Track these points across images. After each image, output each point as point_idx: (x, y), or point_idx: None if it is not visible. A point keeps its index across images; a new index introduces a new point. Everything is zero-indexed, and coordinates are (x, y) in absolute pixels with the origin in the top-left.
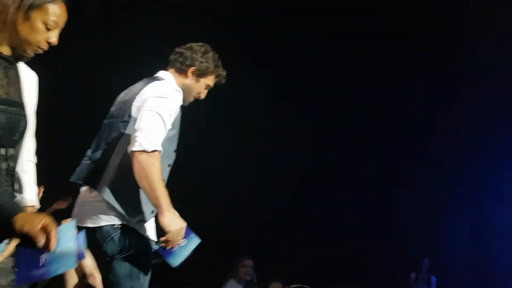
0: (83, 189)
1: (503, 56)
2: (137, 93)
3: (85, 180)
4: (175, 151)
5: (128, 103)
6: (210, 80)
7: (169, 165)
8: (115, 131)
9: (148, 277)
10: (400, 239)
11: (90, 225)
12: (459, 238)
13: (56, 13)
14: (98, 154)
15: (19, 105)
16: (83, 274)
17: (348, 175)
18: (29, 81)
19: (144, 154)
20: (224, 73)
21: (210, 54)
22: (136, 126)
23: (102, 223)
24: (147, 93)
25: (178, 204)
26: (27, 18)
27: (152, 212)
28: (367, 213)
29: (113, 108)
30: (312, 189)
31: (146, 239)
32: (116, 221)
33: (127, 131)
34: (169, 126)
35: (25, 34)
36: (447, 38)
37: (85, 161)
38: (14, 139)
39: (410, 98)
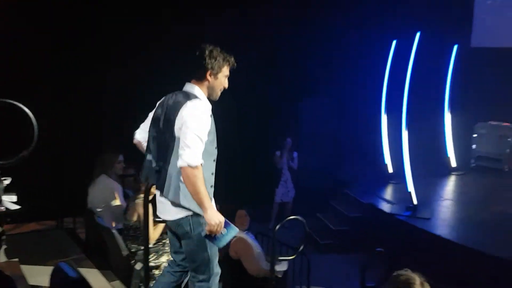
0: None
1: None
2: (176, 113)
3: (156, 186)
4: (216, 147)
5: (170, 123)
6: (226, 71)
7: (214, 160)
8: (167, 147)
9: (215, 247)
10: (268, 120)
11: (169, 218)
12: (320, 118)
13: None
14: (160, 164)
15: None
16: None
17: None
18: None
19: (189, 169)
20: (233, 58)
21: (214, 52)
22: (181, 145)
23: (176, 217)
24: (184, 116)
25: None
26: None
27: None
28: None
29: (159, 122)
30: None
31: (205, 222)
32: (183, 214)
33: (175, 149)
34: (205, 138)
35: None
36: None
37: (149, 165)
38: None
39: None
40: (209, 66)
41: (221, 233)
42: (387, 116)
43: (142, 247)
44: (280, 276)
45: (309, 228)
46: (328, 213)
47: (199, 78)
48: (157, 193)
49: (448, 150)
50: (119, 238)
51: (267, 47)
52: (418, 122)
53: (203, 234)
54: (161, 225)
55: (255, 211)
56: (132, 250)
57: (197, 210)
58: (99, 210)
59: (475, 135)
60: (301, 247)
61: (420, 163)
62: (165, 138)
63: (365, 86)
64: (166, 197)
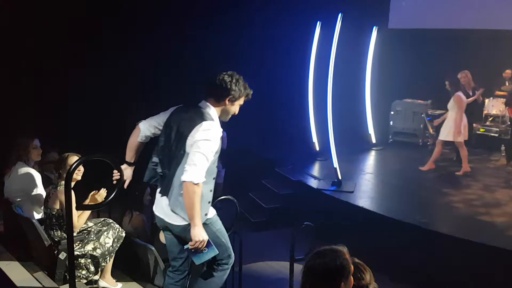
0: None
1: None
2: (190, 129)
3: (160, 189)
4: (217, 166)
5: (183, 137)
6: (241, 101)
7: (213, 178)
8: (174, 158)
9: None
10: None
11: (172, 222)
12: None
13: None
14: (165, 171)
15: None
16: None
17: None
18: None
19: (191, 185)
20: (251, 91)
21: (240, 82)
22: (188, 162)
23: (177, 223)
24: (197, 136)
25: None
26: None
27: (206, 215)
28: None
29: (171, 132)
30: None
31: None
32: (184, 222)
33: (182, 162)
34: (211, 159)
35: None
36: None
37: (154, 167)
38: None
39: None
40: (232, 92)
41: (202, 251)
42: (313, 95)
43: (66, 236)
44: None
45: (241, 207)
46: (260, 192)
47: (218, 99)
48: (158, 194)
49: (369, 127)
50: (40, 228)
51: (181, 24)
52: (341, 101)
53: (185, 247)
54: (86, 213)
55: None
56: (56, 239)
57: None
58: (17, 199)
59: (392, 112)
60: (233, 227)
61: (344, 140)
62: (174, 149)
63: (292, 66)
64: (169, 205)
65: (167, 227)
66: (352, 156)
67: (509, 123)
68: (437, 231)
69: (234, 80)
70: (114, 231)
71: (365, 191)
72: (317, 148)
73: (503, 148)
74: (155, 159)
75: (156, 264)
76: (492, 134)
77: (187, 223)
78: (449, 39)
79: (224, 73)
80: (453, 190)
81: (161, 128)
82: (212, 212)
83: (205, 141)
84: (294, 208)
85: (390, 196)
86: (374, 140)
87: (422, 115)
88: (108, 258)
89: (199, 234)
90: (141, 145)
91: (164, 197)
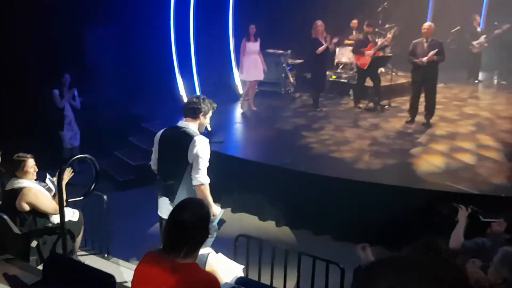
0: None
1: None
2: (186, 145)
3: (164, 195)
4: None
5: (183, 152)
6: (210, 113)
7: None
8: (179, 169)
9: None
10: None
11: None
12: (104, 52)
13: None
14: (171, 182)
15: None
16: None
17: None
18: None
19: (202, 186)
20: (215, 104)
21: (206, 100)
22: (195, 170)
23: None
24: (196, 150)
25: None
26: None
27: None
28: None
29: (166, 151)
30: None
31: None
32: None
33: (187, 172)
34: (207, 164)
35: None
36: None
37: (160, 183)
38: None
39: None
40: (203, 109)
41: (216, 216)
42: (176, 48)
43: (36, 227)
44: (75, 220)
45: (107, 167)
46: (126, 149)
47: (194, 117)
48: (164, 200)
49: (235, 78)
50: (8, 220)
51: None
52: (206, 52)
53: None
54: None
55: (41, 159)
56: (24, 231)
57: None
58: None
59: None
60: (92, 186)
61: (211, 92)
62: (176, 162)
63: (154, 16)
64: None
65: None
66: (220, 107)
67: (356, 69)
68: (297, 170)
69: (201, 100)
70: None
71: (235, 140)
72: (185, 101)
73: (351, 92)
74: (158, 177)
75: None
76: (342, 80)
77: None
78: None
79: (193, 97)
80: (310, 133)
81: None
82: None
83: (204, 152)
84: None
85: (258, 143)
86: (241, 91)
87: (283, 65)
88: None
89: (215, 209)
90: None
91: (167, 200)
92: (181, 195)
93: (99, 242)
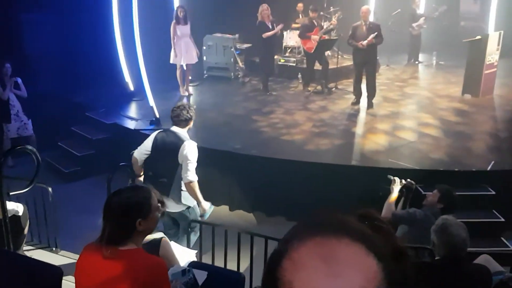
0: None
1: None
2: (177, 148)
3: (160, 192)
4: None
5: (174, 154)
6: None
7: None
8: (171, 168)
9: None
10: None
11: (172, 210)
12: (43, 39)
13: None
14: (164, 180)
15: None
16: None
17: None
18: None
19: (191, 183)
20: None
21: (192, 109)
22: (185, 169)
23: (175, 210)
24: (185, 153)
25: None
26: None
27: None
28: None
29: (159, 152)
30: None
31: (196, 212)
32: (183, 208)
33: (178, 170)
34: (195, 165)
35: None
36: None
37: (152, 180)
38: None
39: None
40: (192, 118)
41: (206, 211)
42: (121, 34)
43: None
44: (20, 214)
45: (52, 158)
46: (71, 139)
47: (184, 125)
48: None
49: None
50: None
51: None
52: (150, 36)
53: (197, 212)
54: None
55: None
56: None
57: (191, 205)
58: None
59: (204, 47)
60: (33, 178)
61: (158, 77)
62: (168, 162)
63: (96, 6)
64: (170, 198)
65: (166, 214)
66: (168, 94)
67: (303, 53)
68: (249, 154)
69: (187, 109)
70: None
71: None
72: (132, 88)
73: (299, 76)
74: (150, 173)
75: None
76: (291, 64)
77: (182, 209)
78: None
79: (181, 106)
80: (261, 117)
81: (148, 152)
82: (192, 203)
83: (192, 154)
84: (110, 152)
85: (209, 129)
86: (190, 77)
87: (232, 49)
88: None
89: (205, 205)
90: (141, 165)
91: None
92: (175, 192)
93: (46, 235)
